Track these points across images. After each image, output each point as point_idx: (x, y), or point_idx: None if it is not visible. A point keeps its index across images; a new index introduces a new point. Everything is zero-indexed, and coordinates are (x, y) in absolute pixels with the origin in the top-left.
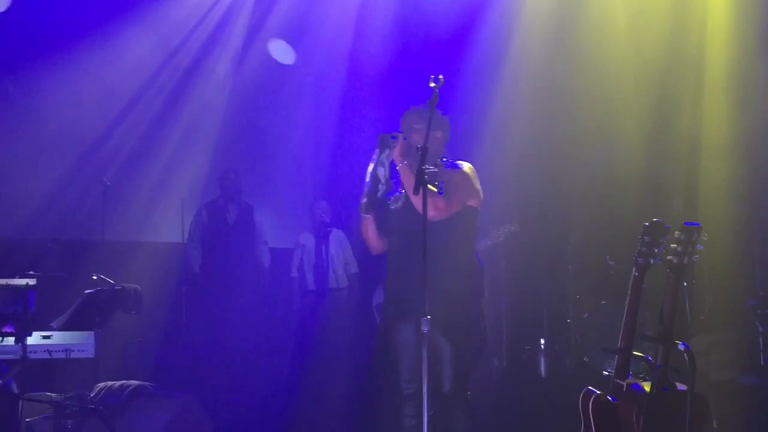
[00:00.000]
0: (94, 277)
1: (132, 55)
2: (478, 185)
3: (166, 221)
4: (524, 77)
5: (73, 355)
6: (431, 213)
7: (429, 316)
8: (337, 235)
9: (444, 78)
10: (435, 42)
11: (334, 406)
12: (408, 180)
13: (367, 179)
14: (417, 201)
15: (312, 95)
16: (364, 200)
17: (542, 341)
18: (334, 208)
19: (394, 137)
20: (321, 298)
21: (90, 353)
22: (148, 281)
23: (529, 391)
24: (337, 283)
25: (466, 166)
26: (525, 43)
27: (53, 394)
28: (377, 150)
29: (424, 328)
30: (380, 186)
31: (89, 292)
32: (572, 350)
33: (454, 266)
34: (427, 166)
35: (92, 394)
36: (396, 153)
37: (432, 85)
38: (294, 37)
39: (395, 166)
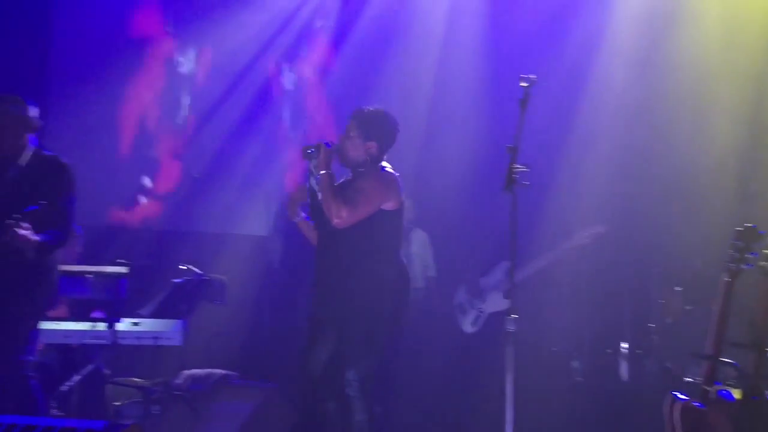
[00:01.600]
0: (182, 267)
1: (221, 50)
2: (390, 192)
3: (252, 214)
4: (615, 79)
5: (161, 342)
6: (334, 221)
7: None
8: (420, 236)
9: (536, 77)
10: (524, 43)
11: (413, 404)
12: (323, 188)
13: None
14: (327, 206)
15: (401, 92)
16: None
17: (624, 345)
18: (418, 208)
19: (312, 150)
20: None
21: (177, 341)
22: (233, 272)
23: (610, 394)
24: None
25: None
26: (616, 46)
27: (141, 380)
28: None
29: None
30: (317, 194)
31: (177, 282)
32: (654, 355)
33: (355, 270)
34: (516, 165)
35: (179, 381)
36: (318, 162)
37: (523, 84)
38: (382, 39)
39: None
